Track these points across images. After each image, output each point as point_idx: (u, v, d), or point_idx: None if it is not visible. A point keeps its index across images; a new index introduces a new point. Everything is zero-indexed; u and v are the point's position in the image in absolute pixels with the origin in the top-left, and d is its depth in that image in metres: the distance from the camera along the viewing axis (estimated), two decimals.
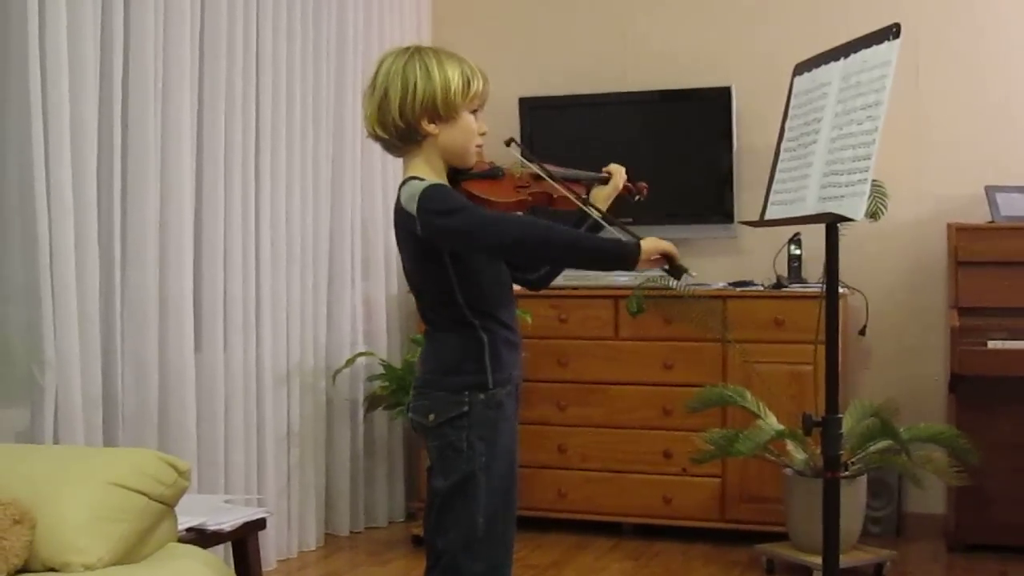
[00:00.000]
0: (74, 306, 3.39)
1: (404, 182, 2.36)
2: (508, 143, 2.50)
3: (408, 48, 2.39)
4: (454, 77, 2.34)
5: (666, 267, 2.34)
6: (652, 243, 2.31)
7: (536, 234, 2.28)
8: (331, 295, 4.79)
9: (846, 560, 3.79)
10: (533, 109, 5.16)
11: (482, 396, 2.35)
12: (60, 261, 3.35)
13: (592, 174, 2.61)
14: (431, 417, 2.36)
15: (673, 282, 4.43)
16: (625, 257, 2.30)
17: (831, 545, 2.58)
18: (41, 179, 3.29)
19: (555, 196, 2.47)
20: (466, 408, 2.33)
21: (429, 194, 2.28)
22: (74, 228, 3.40)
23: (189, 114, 3.91)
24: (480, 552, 2.34)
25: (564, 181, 2.52)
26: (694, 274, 2.38)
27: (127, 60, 3.67)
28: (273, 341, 4.38)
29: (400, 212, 2.33)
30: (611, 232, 2.43)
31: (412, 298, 5.01)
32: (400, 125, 2.34)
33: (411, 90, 2.32)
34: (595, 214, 2.47)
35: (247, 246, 4.23)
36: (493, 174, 2.45)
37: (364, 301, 4.97)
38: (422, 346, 2.48)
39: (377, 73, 2.38)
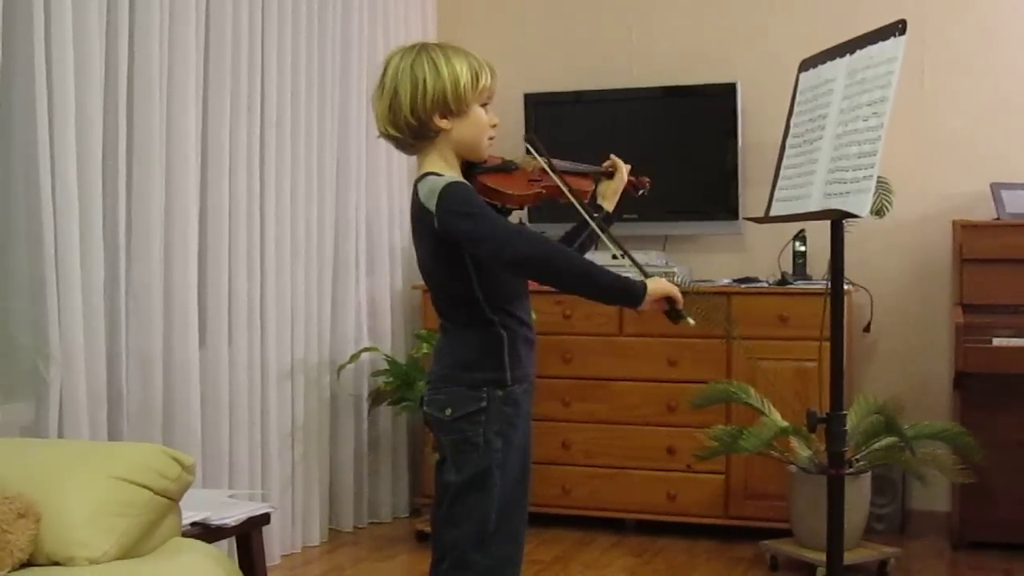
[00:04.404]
0: (79, 301, 3.39)
1: (421, 178, 2.35)
2: (528, 139, 2.50)
3: (414, 46, 2.39)
4: (463, 71, 2.34)
5: (667, 309, 2.30)
6: (659, 285, 2.28)
7: (548, 254, 2.26)
8: (335, 291, 4.79)
9: (850, 557, 3.79)
10: (538, 105, 5.15)
11: (500, 393, 2.35)
12: (65, 256, 3.35)
13: (596, 168, 2.62)
14: (448, 411, 2.36)
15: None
16: (633, 295, 2.27)
17: (835, 542, 2.58)
18: (46, 174, 3.29)
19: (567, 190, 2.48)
20: (484, 404, 2.34)
21: (450, 191, 2.27)
22: (79, 223, 3.40)
23: (194, 109, 3.91)
24: (491, 547, 2.34)
25: (569, 174, 2.53)
26: (692, 323, 2.30)
27: (132, 54, 3.66)
28: (277, 336, 4.38)
29: (418, 208, 2.32)
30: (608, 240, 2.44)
31: (417, 294, 5.11)
32: (412, 123, 2.34)
33: (421, 87, 2.32)
34: (604, 236, 2.47)
35: (252, 241, 4.23)
36: (507, 167, 2.47)
37: (368, 297, 4.97)
38: (436, 341, 2.48)
39: (385, 73, 2.37)
